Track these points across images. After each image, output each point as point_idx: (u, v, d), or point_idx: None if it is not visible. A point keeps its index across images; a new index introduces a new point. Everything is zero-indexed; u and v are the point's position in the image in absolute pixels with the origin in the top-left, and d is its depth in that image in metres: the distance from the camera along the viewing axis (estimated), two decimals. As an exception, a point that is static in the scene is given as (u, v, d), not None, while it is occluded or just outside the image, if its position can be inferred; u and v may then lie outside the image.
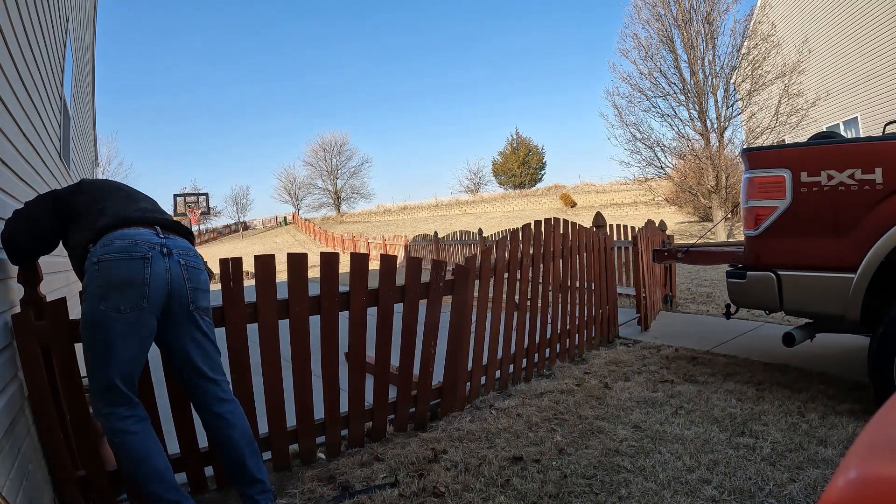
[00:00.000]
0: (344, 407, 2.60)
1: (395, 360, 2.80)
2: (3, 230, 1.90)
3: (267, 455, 2.40)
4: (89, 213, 1.90)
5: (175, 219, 2.18)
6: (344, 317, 2.53)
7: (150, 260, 1.76)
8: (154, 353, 1.92)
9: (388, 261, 2.70)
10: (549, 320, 3.81)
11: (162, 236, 1.85)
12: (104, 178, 3.06)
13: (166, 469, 1.79)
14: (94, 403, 1.77)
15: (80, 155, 6.22)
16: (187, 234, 2.05)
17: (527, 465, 2.30)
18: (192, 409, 2.03)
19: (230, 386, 2.04)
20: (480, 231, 12.48)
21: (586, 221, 5.79)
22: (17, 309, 2.05)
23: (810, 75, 14.21)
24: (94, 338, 1.72)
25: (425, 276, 2.95)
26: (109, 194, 2.01)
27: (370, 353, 2.67)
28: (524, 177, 49.13)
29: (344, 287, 2.55)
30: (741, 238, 3.65)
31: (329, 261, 2.52)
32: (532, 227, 3.65)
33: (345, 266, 2.71)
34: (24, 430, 1.91)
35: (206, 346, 1.93)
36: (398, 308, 2.79)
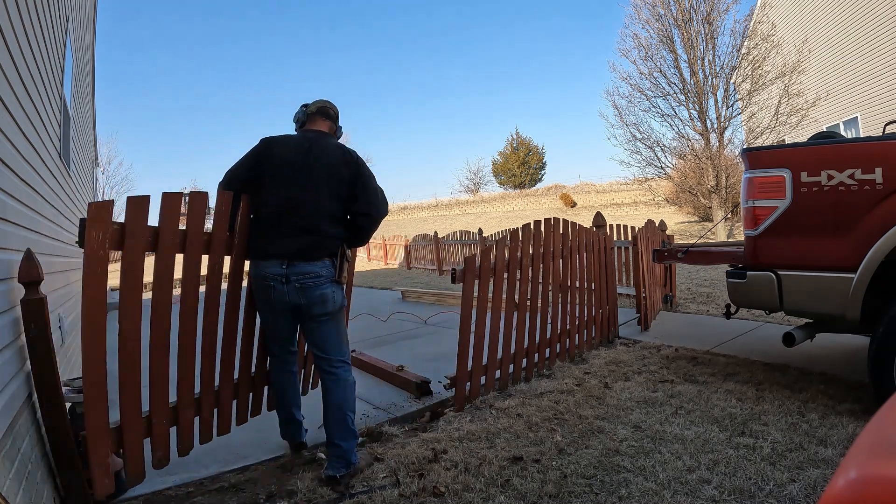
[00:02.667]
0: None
1: (395, 360, 2.80)
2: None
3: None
4: None
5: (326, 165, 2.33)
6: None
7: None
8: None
9: None
10: (549, 320, 3.81)
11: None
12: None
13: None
14: None
15: (80, 155, 6.22)
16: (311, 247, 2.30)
17: (527, 465, 2.30)
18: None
19: (337, 364, 2.39)
20: (480, 231, 12.47)
21: (586, 221, 5.79)
22: (19, 309, 2.05)
23: (810, 75, 14.20)
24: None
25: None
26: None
27: (372, 354, 2.68)
28: (524, 177, 49.08)
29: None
30: (741, 238, 3.65)
31: None
32: (532, 226, 3.65)
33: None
34: (25, 429, 1.91)
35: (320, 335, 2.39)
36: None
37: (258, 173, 2.34)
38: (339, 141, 2.54)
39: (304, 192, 2.28)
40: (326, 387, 2.36)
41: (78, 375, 2.59)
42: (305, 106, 2.54)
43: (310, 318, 2.32)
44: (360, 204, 2.36)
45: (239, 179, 2.36)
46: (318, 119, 2.51)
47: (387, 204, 2.47)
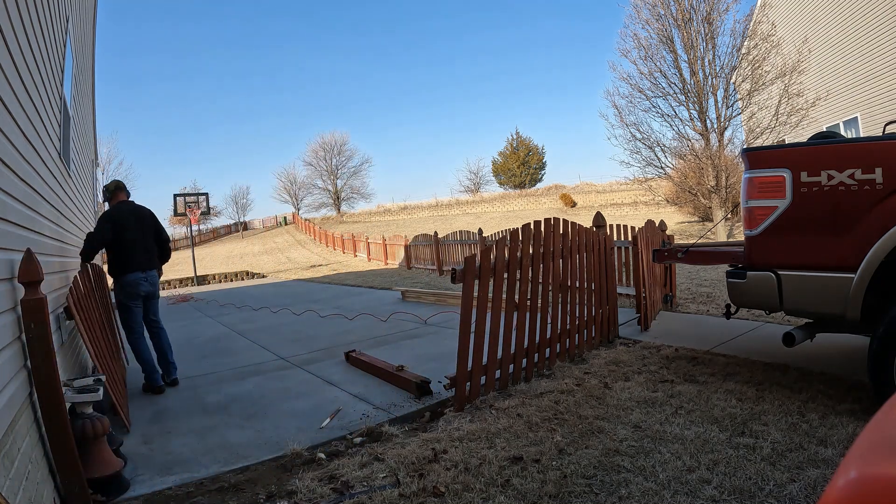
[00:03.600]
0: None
1: (395, 360, 2.80)
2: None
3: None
4: None
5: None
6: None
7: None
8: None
9: None
10: (549, 320, 3.81)
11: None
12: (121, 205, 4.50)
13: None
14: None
15: (80, 155, 6.21)
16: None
17: (527, 465, 2.30)
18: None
19: (161, 323, 4.42)
20: (480, 231, 12.46)
21: (586, 221, 5.78)
22: (20, 309, 2.05)
23: (810, 75, 14.19)
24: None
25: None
26: None
27: (372, 354, 2.68)
28: (524, 177, 49.10)
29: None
30: (741, 238, 3.65)
31: None
32: (532, 226, 3.65)
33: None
34: (25, 429, 1.91)
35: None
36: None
37: (118, 231, 4.04)
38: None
39: (141, 237, 4.18)
40: (159, 335, 4.30)
41: (77, 376, 2.59)
42: (106, 188, 4.39)
43: (153, 298, 4.31)
44: (164, 238, 4.44)
45: (107, 239, 4.03)
46: (120, 193, 4.36)
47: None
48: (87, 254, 4.01)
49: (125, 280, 4.06)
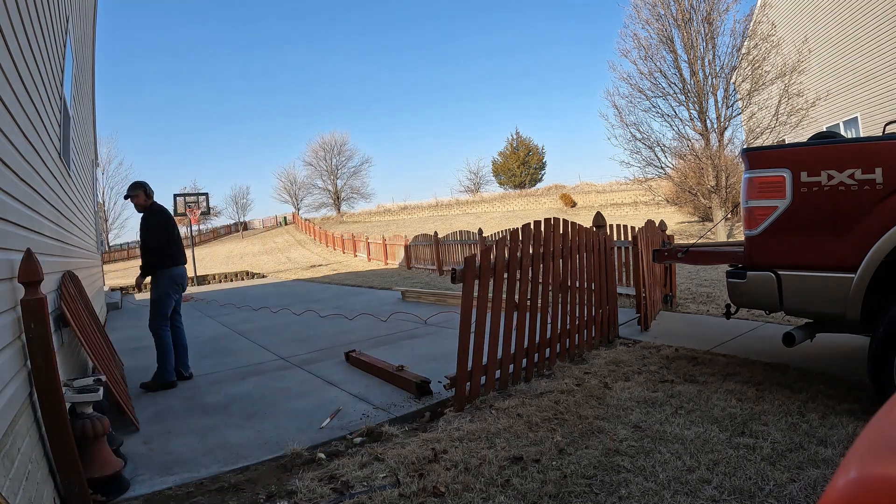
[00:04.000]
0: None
1: (395, 360, 2.80)
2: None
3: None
4: None
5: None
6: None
7: None
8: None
9: None
10: (549, 320, 3.81)
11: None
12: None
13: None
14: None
15: (80, 155, 6.21)
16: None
17: (527, 465, 2.30)
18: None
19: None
20: (480, 231, 12.46)
21: (586, 221, 5.78)
22: (20, 309, 2.05)
23: (810, 75, 14.19)
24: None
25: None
26: None
27: (372, 354, 2.67)
28: (524, 177, 49.11)
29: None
30: (741, 238, 3.65)
31: None
32: (532, 226, 3.65)
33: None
34: (25, 429, 1.91)
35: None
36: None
37: (170, 228, 4.41)
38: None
39: (178, 235, 4.50)
40: (181, 330, 4.52)
41: (77, 376, 2.59)
42: (146, 188, 4.43)
43: (182, 292, 4.54)
44: None
45: (163, 235, 4.32)
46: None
47: None
48: (151, 256, 4.30)
49: (175, 272, 4.36)
